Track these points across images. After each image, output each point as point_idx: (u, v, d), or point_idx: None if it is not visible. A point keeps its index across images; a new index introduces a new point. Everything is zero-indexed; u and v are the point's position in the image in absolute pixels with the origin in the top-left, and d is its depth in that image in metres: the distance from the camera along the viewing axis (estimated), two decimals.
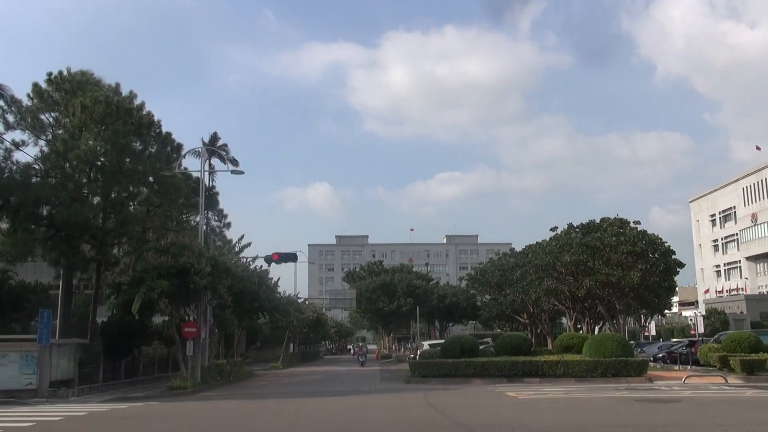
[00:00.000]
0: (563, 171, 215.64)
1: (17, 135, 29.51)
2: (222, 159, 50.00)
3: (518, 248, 49.82)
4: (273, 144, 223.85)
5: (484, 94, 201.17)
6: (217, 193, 44.78)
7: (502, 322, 66.37)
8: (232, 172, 36.02)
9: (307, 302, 62.53)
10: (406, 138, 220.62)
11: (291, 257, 32.76)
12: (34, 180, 27.94)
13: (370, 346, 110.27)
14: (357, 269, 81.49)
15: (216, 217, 44.05)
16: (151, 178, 30.75)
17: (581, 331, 40.03)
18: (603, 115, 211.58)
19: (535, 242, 41.96)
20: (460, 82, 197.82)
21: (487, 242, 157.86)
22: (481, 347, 30.78)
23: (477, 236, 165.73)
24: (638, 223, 35.07)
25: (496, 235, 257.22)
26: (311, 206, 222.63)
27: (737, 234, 75.67)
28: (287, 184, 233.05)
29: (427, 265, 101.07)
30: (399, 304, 63.94)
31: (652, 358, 36.77)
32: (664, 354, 37.38)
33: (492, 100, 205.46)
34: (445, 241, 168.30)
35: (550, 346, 40.62)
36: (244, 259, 34.56)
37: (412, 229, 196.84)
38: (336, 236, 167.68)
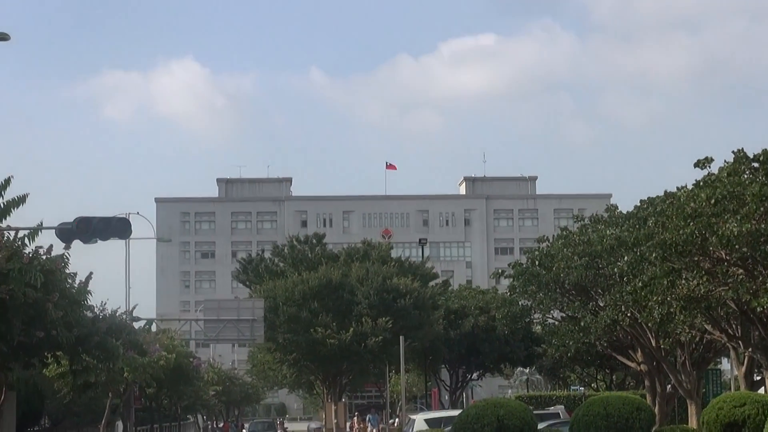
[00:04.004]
0: (724, 35, 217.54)
1: None
2: None
3: (625, 207, 50.03)
4: None
5: None
6: None
7: (590, 369, 66.97)
8: None
9: (154, 328, 62.47)
10: None
11: (116, 228, 32.63)
12: None
13: (294, 427, 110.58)
14: (267, 254, 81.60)
15: None
16: None
17: (762, 389, 40.39)
18: None
19: (662, 193, 42.16)
20: None
21: (557, 193, 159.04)
22: (542, 425, 30.99)
23: (535, 180, 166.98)
24: None
25: (573, 178, 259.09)
26: (162, 113, 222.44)
27: None
28: (108, 64, 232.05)
29: (422, 243, 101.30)
30: (360, 331, 64.12)
31: None
32: None
33: None
34: (463, 190, 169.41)
35: (693, 424, 41.27)
36: (11, 235, 34.28)
37: (390, 165, 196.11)
38: (219, 180, 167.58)
